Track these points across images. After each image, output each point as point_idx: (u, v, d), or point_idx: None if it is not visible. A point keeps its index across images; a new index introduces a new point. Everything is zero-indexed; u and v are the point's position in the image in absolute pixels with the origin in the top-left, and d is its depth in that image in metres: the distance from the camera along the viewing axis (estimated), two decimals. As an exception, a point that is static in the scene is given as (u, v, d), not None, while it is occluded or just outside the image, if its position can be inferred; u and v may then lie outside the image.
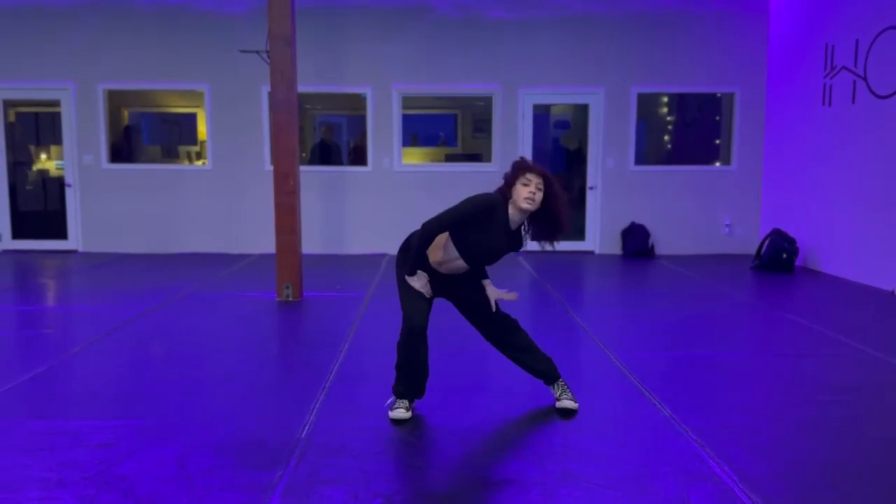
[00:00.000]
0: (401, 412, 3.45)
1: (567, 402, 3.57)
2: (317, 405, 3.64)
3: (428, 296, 3.37)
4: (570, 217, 3.34)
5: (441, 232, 3.26)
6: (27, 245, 9.31)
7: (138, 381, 4.15)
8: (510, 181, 3.29)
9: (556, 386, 3.63)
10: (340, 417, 3.48)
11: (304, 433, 3.27)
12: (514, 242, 3.39)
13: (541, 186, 3.24)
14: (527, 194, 3.22)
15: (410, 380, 3.48)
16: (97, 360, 4.55)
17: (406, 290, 3.41)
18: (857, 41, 7.32)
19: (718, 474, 2.87)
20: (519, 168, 3.29)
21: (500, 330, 3.58)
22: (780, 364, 4.51)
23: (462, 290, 3.53)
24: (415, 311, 3.34)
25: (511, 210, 3.30)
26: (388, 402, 3.55)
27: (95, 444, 3.14)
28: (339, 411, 3.57)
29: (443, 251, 3.36)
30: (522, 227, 3.39)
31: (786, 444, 3.20)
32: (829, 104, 7.81)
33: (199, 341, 5.04)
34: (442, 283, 3.46)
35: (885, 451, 3.14)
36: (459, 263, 3.37)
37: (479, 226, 3.26)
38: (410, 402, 3.52)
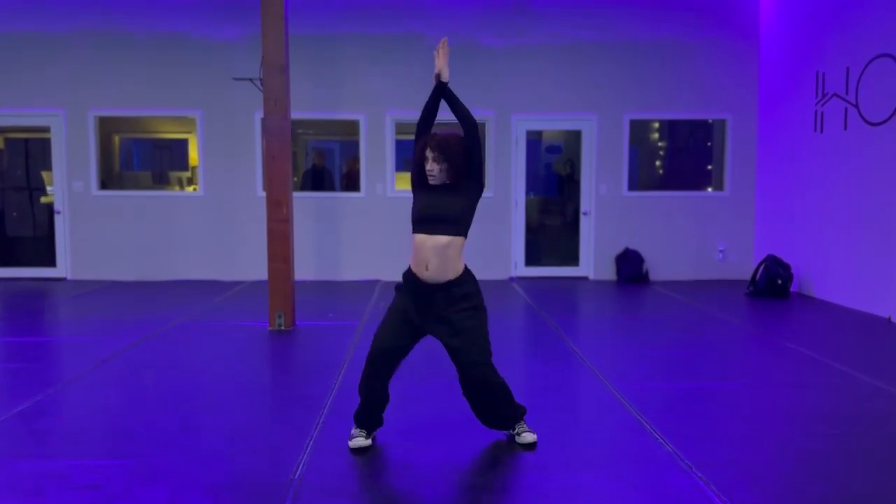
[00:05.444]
0: (360, 440, 3.42)
1: (527, 436, 3.50)
2: (311, 441, 3.55)
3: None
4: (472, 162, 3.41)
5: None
6: (15, 273, 9.20)
7: (128, 416, 4.04)
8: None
9: (513, 427, 3.57)
10: (336, 455, 3.40)
11: (299, 472, 3.18)
12: (453, 187, 3.36)
13: (438, 159, 3.30)
14: (426, 173, 3.36)
15: (365, 407, 3.44)
16: (85, 394, 4.45)
17: (387, 313, 3.47)
18: (847, 69, 7.37)
19: (725, 514, 2.81)
20: (420, 148, 3.38)
21: (470, 382, 3.40)
22: (780, 394, 4.46)
23: (441, 316, 3.34)
24: (382, 332, 3.38)
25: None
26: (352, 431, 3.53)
27: (84, 486, 3.05)
28: (334, 448, 3.48)
29: (414, 250, 3.34)
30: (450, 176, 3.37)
31: (789, 478, 3.13)
32: (821, 130, 7.85)
33: (189, 373, 4.94)
34: (424, 303, 3.36)
35: (887, 485, 3.08)
36: (427, 243, 3.29)
37: (417, 192, 3.43)
38: (370, 430, 3.49)
